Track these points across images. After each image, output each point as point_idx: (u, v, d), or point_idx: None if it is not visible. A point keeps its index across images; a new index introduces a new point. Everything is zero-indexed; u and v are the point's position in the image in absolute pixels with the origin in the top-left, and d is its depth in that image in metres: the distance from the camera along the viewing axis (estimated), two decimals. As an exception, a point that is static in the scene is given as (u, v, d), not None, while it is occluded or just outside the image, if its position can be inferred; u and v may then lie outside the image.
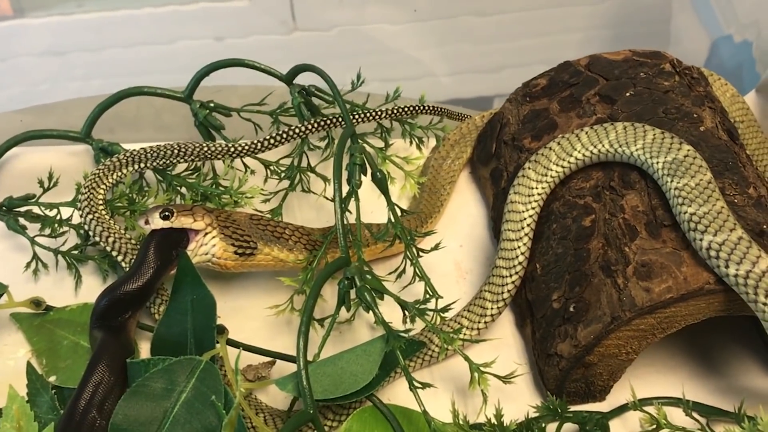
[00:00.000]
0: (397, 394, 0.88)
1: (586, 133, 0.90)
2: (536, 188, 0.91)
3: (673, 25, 1.47)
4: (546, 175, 0.91)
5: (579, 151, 0.90)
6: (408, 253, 0.91)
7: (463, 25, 1.43)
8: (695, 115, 0.93)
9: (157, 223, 0.86)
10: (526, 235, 0.91)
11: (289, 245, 0.92)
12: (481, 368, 0.84)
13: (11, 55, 1.33)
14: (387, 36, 1.42)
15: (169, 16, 1.40)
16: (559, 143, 0.91)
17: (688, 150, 0.85)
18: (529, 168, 0.92)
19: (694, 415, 0.83)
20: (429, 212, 1.04)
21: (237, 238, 0.90)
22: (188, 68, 1.08)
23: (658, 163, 0.85)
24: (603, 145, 0.89)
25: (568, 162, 0.90)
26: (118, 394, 0.76)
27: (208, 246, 0.89)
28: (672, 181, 0.83)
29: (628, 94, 0.95)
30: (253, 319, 0.95)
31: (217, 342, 0.79)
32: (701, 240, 0.79)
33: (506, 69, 1.44)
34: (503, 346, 0.92)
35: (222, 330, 0.84)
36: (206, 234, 0.89)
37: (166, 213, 0.87)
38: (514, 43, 1.46)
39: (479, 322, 0.91)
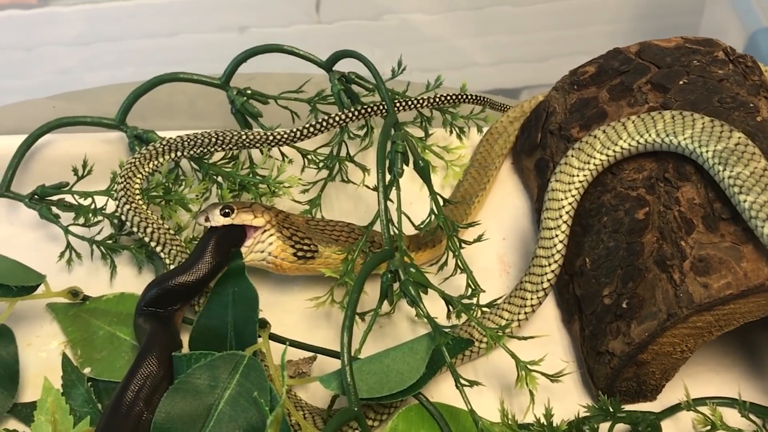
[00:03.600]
0: (441, 391, 0.85)
1: (633, 122, 0.87)
2: (577, 176, 0.88)
3: (706, 17, 1.44)
4: (588, 163, 0.88)
5: (624, 140, 0.87)
6: (450, 244, 0.89)
7: (502, 15, 1.41)
8: (751, 105, 0.89)
9: (217, 219, 0.85)
10: (564, 222, 0.88)
11: (347, 246, 0.90)
12: (528, 366, 0.81)
13: (42, 43, 1.32)
14: (423, 26, 1.40)
15: (195, 5, 1.39)
16: (604, 131, 0.88)
17: (740, 137, 0.81)
18: (572, 156, 0.89)
19: (750, 416, 0.80)
20: (458, 215, 1.01)
21: (297, 240, 0.88)
22: (214, 58, 1.06)
23: (707, 152, 0.81)
24: (650, 135, 0.86)
25: (613, 151, 0.87)
26: (166, 388, 0.74)
27: (264, 244, 0.87)
28: (725, 170, 0.80)
29: (681, 83, 0.92)
30: (290, 312, 0.93)
31: (259, 336, 0.77)
32: (763, 227, 0.76)
33: (544, 59, 1.42)
34: (549, 343, 0.89)
35: (264, 324, 0.81)
36: (264, 232, 0.87)
37: (227, 210, 0.85)
38: (551, 33, 1.45)
39: (519, 314, 0.89)
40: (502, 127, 1.08)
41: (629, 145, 0.87)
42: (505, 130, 1.08)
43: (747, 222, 0.78)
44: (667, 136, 0.85)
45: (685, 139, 0.84)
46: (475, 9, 1.42)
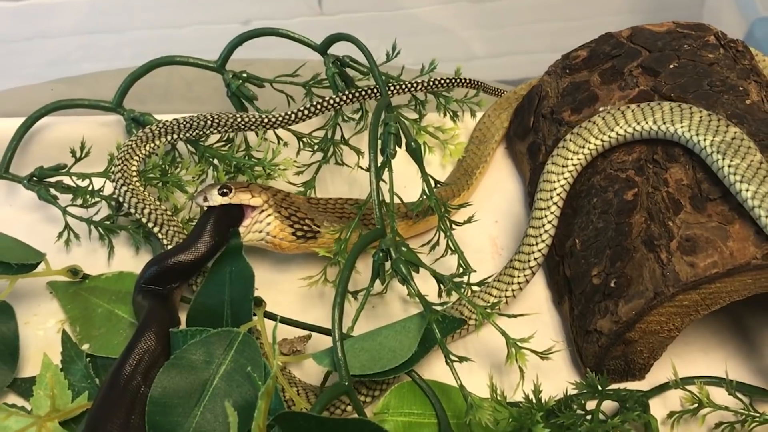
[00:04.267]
0: (431, 368, 0.87)
1: (632, 110, 0.88)
2: (572, 159, 0.90)
3: (707, 7, 1.45)
4: (584, 147, 0.89)
5: (621, 127, 0.88)
6: (441, 225, 0.90)
7: (501, 8, 1.42)
8: (741, 88, 0.90)
9: (215, 199, 0.86)
10: (555, 203, 0.90)
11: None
12: (518, 344, 0.83)
13: (42, 29, 1.33)
14: (425, 18, 1.41)
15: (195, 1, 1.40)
16: (603, 118, 0.89)
17: (736, 132, 0.82)
18: (569, 140, 0.90)
19: (737, 395, 0.81)
20: (459, 187, 1.03)
21: (296, 220, 0.89)
22: (215, 49, 1.07)
23: (705, 140, 0.83)
24: (647, 123, 0.87)
25: (609, 136, 0.88)
26: (163, 363, 0.75)
27: (263, 224, 0.88)
28: (724, 158, 0.81)
29: (671, 66, 0.93)
30: (285, 292, 0.94)
31: (254, 314, 0.78)
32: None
33: (544, 51, 1.43)
34: (539, 324, 0.90)
35: (260, 302, 0.83)
36: (262, 211, 0.88)
37: (225, 190, 0.86)
38: (550, 26, 1.46)
39: (506, 290, 0.90)
40: (506, 101, 1.09)
41: (625, 131, 0.88)
42: (509, 105, 1.09)
43: (749, 211, 0.79)
44: (664, 124, 0.86)
45: (682, 127, 0.85)
46: (476, 2, 1.43)
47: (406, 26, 1.43)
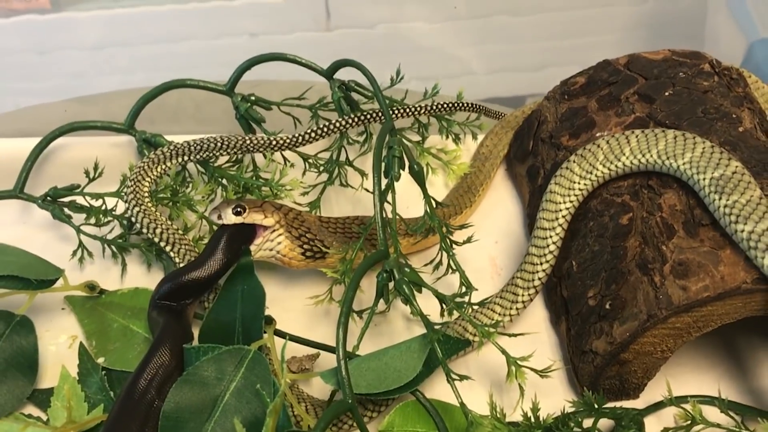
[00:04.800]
0: (433, 386, 0.89)
1: (636, 137, 0.90)
2: (578, 183, 0.92)
3: (708, 27, 1.47)
4: (591, 173, 0.91)
5: (627, 158, 0.90)
6: (443, 244, 0.93)
7: (500, 24, 1.44)
8: (734, 116, 0.93)
9: (229, 218, 0.89)
10: (560, 225, 0.92)
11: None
12: (518, 362, 0.85)
13: (55, 48, 1.35)
14: (423, 34, 1.44)
15: (204, 13, 1.42)
16: (608, 142, 0.91)
17: (737, 166, 0.84)
18: (574, 162, 0.92)
19: (730, 413, 0.83)
20: (462, 204, 1.06)
21: (306, 240, 0.92)
22: (224, 64, 1.10)
23: (704, 179, 0.84)
24: (651, 155, 0.89)
25: (615, 166, 0.91)
26: (177, 378, 0.78)
27: (273, 243, 0.91)
28: (720, 198, 0.83)
29: (667, 94, 0.96)
30: (291, 309, 0.97)
31: (265, 332, 0.81)
32: (764, 258, 0.79)
33: (543, 69, 1.45)
34: (537, 343, 0.93)
35: (270, 320, 0.86)
36: (273, 231, 0.91)
37: (239, 209, 0.89)
38: (550, 43, 1.47)
39: (511, 309, 0.93)
40: (514, 120, 1.12)
41: (631, 162, 0.90)
42: (517, 125, 1.12)
43: (746, 252, 0.81)
44: (668, 158, 0.88)
45: (684, 164, 0.86)
46: (474, 18, 1.45)
47: (405, 43, 1.45)
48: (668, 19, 1.49)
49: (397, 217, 0.91)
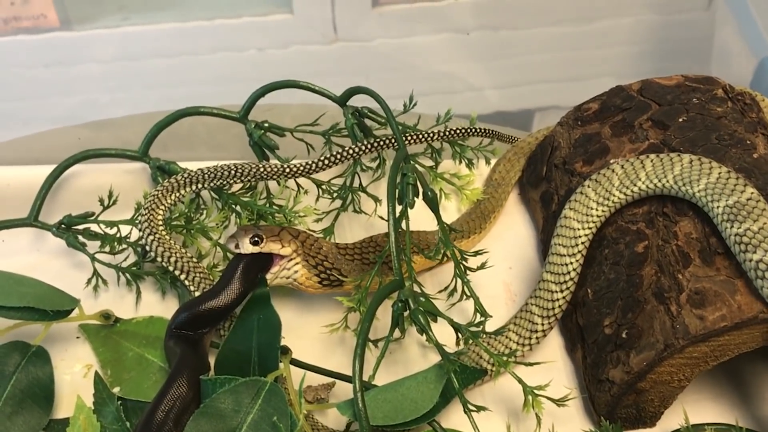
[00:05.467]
0: (449, 416, 0.89)
1: (651, 161, 0.90)
2: (596, 210, 0.92)
3: (717, 43, 1.46)
4: (608, 199, 0.91)
5: (643, 182, 0.90)
6: (457, 270, 0.93)
7: (506, 40, 1.44)
8: (748, 142, 0.93)
9: (247, 248, 0.89)
10: (579, 252, 0.92)
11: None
12: (535, 391, 0.85)
13: (68, 67, 1.36)
14: (430, 49, 1.44)
15: (212, 30, 1.42)
16: (622, 167, 0.91)
17: (752, 193, 0.84)
18: (589, 187, 0.92)
19: (747, 442, 0.84)
20: (472, 229, 1.06)
21: (322, 269, 0.93)
22: (231, 80, 1.09)
23: (718, 207, 0.84)
24: (667, 180, 0.89)
25: (632, 191, 0.90)
26: (194, 409, 0.78)
27: (290, 271, 0.91)
28: (732, 227, 0.82)
29: (681, 120, 0.96)
30: (304, 337, 0.96)
31: (281, 362, 0.81)
32: None
33: (549, 83, 1.45)
34: (553, 371, 0.93)
35: (286, 350, 0.86)
36: (290, 260, 0.91)
37: (256, 239, 0.89)
38: (556, 57, 1.47)
39: (531, 338, 0.92)
40: (527, 146, 1.12)
41: (647, 187, 0.90)
42: (530, 150, 1.12)
43: (753, 281, 0.81)
44: (684, 185, 0.88)
45: (699, 191, 0.86)
46: (482, 31, 1.45)
47: (413, 56, 1.45)
48: (675, 34, 1.49)
49: (412, 239, 0.91)
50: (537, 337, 0.92)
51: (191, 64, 1.41)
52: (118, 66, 1.39)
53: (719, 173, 0.86)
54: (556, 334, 0.98)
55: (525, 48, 1.46)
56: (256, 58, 1.42)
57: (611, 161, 0.96)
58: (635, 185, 0.91)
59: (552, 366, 0.93)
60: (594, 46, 1.47)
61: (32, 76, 1.37)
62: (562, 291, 0.92)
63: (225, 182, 1.00)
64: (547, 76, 1.46)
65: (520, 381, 0.85)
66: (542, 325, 0.92)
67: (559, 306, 0.92)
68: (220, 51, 1.42)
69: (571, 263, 0.92)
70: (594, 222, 0.92)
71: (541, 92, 1.45)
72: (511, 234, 1.09)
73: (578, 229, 0.92)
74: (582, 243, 0.92)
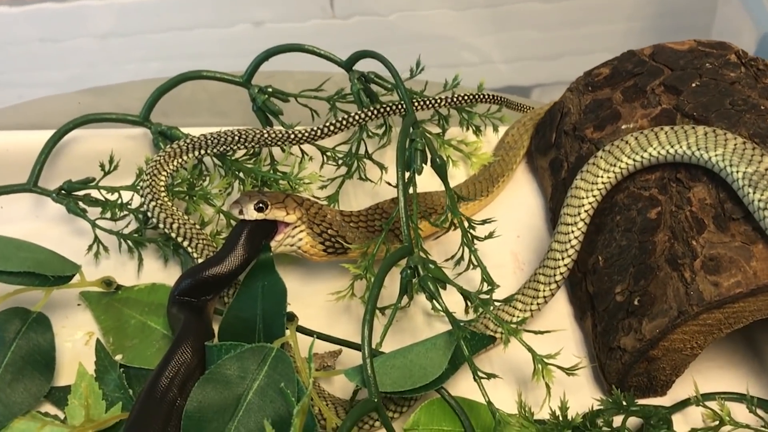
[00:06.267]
0: (457, 384, 0.88)
1: (665, 132, 0.88)
2: (602, 176, 0.90)
3: (719, 17, 1.45)
4: (615, 166, 0.90)
5: (654, 148, 0.88)
6: (464, 239, 0.91)
7: (517, 13, 1.43)
8: (762, 108, 0.91)
9: (251, 214, 0.87)
10: (582, 220, 0.90)
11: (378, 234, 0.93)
12: (545, 360, 0.84)
13: (67, 37, 1.34)
14: (438, 23, 1.42)
15: (212, 1, 1.41)
16: (636, 138, 0.89)
17: None
18: (600, 157, 0.90)
19: (758, 411, 0.82)
20: (479, 192, 1.04)
21: (327, 237, 0.91)
22: (234, 53, 1.08)
23: (738, 172, 0.82)
24: (681, 146, 0.87)
25: (641, 157, 0.89)
26: (199, 376, 0.76)
27: (294, 239, 0.90)
28: (755, 192, 0.81)
29: (693, 85, 0.94)
30: (310, 305, 0.95)
31: (287, 329, 0.79)
32: None
33: (559, 57, 1.44)
34: (562, 340, 0.91)
35: (292, 317, 0.84)
36: (295, 227, 0.90)
37: (261, 205, 0.87)
38: (564, 32, 1.46)
39: (532, 304, 0.91)
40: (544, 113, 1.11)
41: (659, 153, 0.88)
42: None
43: None
44: (698, 149, 0.86)
45: (716, 155, 0.85)
46: (490, 6, 1.43)
47: (418, 30, 1.44)
48: (678, 8, 1.48)
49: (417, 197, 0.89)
50: (538, 304, 0.91)
51: (191, 38, 1.39)
52: (120, 39, 1.38)
53: (735, 143, 0.85)
54: (564, 302, 0.96)
55: (537, 22, 1.45)
56: (255, 32, 1.40)
57: (623, 127, 0.94)
58: (645, 151, 0.89)
59: (561, 335, 0.91)
60: (598, 21, 1.46)
61: (32, 44, 1.36)
62: (563, 258, 0.90)
63: (228, 148, 0.98)
64: (555, 50, 1.45)
65: (530, 349, 0.83)
66: (544, 291, 0.91)
67: (561, 273, 0.90)
68: (221, 24, 1.41)
69: (574, 231, 0.90)
70: (599, 189, 0.90)
71: (553, 66, 1.44)
72: (519, 203, 1.07)
73: (583, 197, 0.90)
74: (585, 211, 0.90)
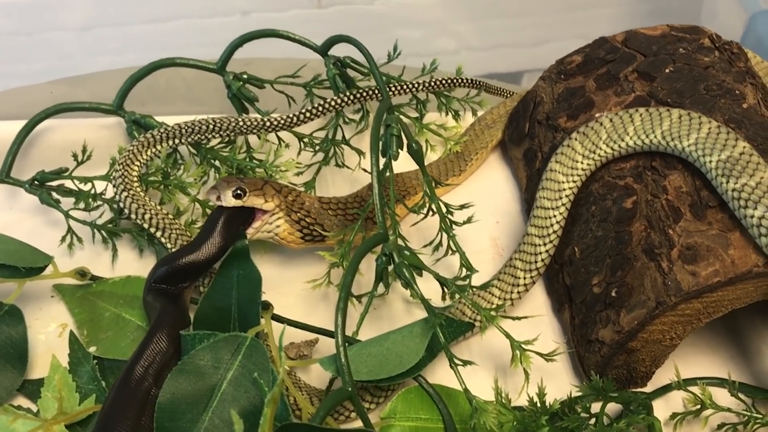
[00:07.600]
0: (435, 371, 0.87)
1: (641, 115, 0.88)
2: (581, 162, 0.89)
3: (706, 2, 1.45)
4: (594, 153, 0.89)
5: (631, 138, 0.87)
6: (443, 225, 0.91)
7: (496, 1, 1.42)
8: (737, 92, 0.91)
9: (228, 201, 0.86)
10: (563, 205, 0.90)
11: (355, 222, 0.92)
12: (523, 346, 0.83)
13: (42, 28, 1.32)
14: (420, 10, 1.41)
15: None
16: (611, 120, 0.89)
17: (744, 147, 0.81)
18: (575, 140, 0.90)
19: (740, 395, 0.82)
20: (450, 171, 1.04)
21: (305, 225, 0.90)
22: (215, 43, 1.07)
23: (711, 162, 0.82)
24: (655, 136, 0.86)
25: (619, 146, 0.88)
26: (175, 364, 0.75)
27: (272, 226, 0.89)
28: (728, 182, 0.80)
29: (667, 71, 0.94)
30: (287, 294, 0.94)
31: (262, 318, 0.79)
32: None
33: (540, 44, 1.43)
34: (540, 327, 0.91)
35: (267, 306, 0.83)
36: (273, 215, 0.89)
37: (239, 192, 0.86)
38: (546, 18, 1.46)
39: (512, 293, 0.91)
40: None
41: (635, 143, 0.88)
42: None
43: (756, 239, 0.78)
44: (672, 140, 0.85)
45: (689, 145, 0.84)
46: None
47: (401, 18, 1.43)
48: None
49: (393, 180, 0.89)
50: (519, 292, 0.91)
51: (172, 28, 1.38)
52: (96, 29, 1.36)
53: (709, 128, 0.84)
54: (542, 292, 0.96)
55: (517, 9, 1.44)
56: (241, 22, 1.39)
57: (597, 115, 0.94)
58: (622, 140, 0.88)
59: (539, 321, 0.91)
60: (585, 6, 1.45)
61: (5, 35, 1.34)
62: (545, 244, 0.90)
63: (203, 137, 0.97)
64: (536, 37, 1.44)
65: (507, 336, 0.83)
66: (524, 279, 0.90)
67: (542, 260, 0.90)
68: (203, 15, 1.40)
69: (555, 216, 0.89)
70: (579, 175, 0.90)
71: (532, 54, 1.43)
72: (498, 189, 1.07)
73: (563, 182, 0.90)
74: (566, 196, 0.90)
